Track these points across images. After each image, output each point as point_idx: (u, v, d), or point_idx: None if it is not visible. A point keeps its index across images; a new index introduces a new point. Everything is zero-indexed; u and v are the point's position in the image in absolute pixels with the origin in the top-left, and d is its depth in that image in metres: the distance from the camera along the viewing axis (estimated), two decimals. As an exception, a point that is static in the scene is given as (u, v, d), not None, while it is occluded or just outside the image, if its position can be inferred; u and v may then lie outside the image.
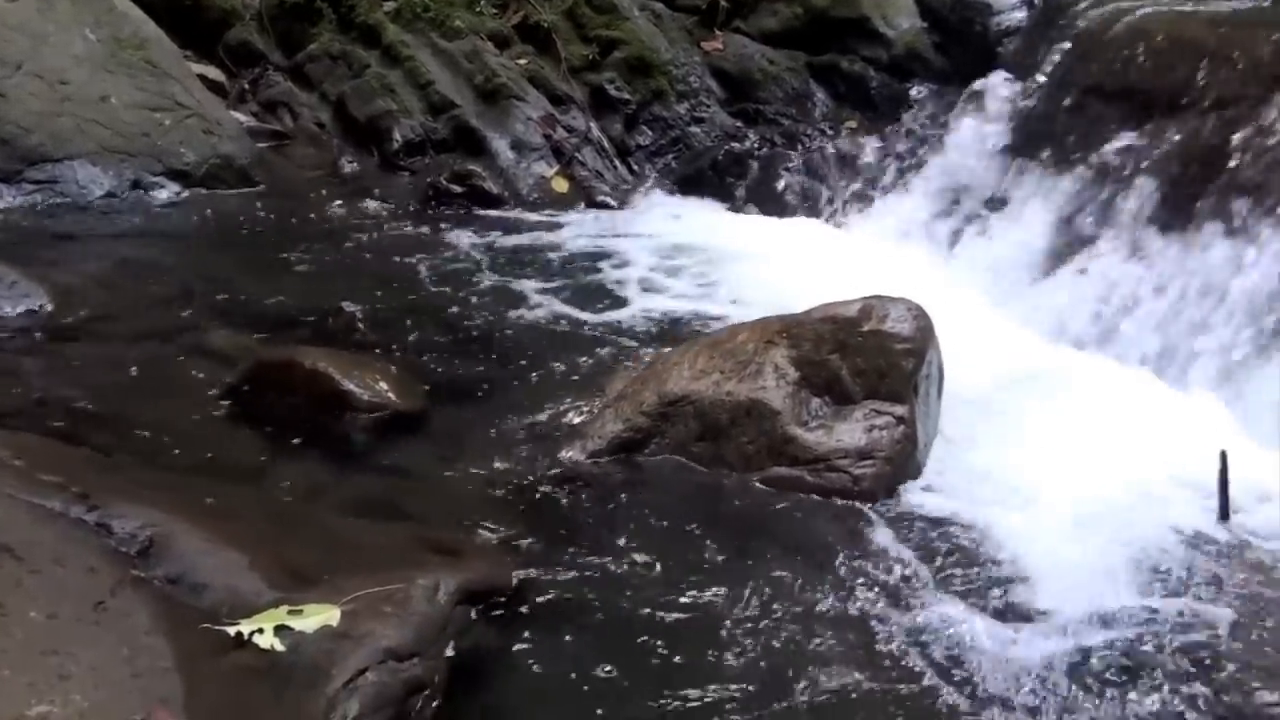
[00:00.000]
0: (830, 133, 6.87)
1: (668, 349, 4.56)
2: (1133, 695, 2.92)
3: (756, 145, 6.92)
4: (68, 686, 2.41)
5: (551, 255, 5.87)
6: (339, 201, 6.48)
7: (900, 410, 3.88)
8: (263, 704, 2.53)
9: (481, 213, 6.48)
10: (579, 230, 6.25)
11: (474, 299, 5.22)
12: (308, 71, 7.34)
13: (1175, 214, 4.90)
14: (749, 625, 3.14)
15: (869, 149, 6.61)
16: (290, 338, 4.63)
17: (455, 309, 5.10)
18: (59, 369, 4.24)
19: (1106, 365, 4.70)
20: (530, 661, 2.97)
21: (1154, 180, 5.04)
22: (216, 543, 2.97)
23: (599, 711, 2.81)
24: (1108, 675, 2.99)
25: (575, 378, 4.48)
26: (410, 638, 2.73)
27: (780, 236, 6.18)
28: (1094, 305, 4.94)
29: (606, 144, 7.02)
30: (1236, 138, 4.79)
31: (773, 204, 6.61)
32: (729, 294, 5.37)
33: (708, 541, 3.51)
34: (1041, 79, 5.92)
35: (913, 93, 6.70)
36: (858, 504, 3.72)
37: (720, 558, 3.44)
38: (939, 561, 3.46)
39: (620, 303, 5.30)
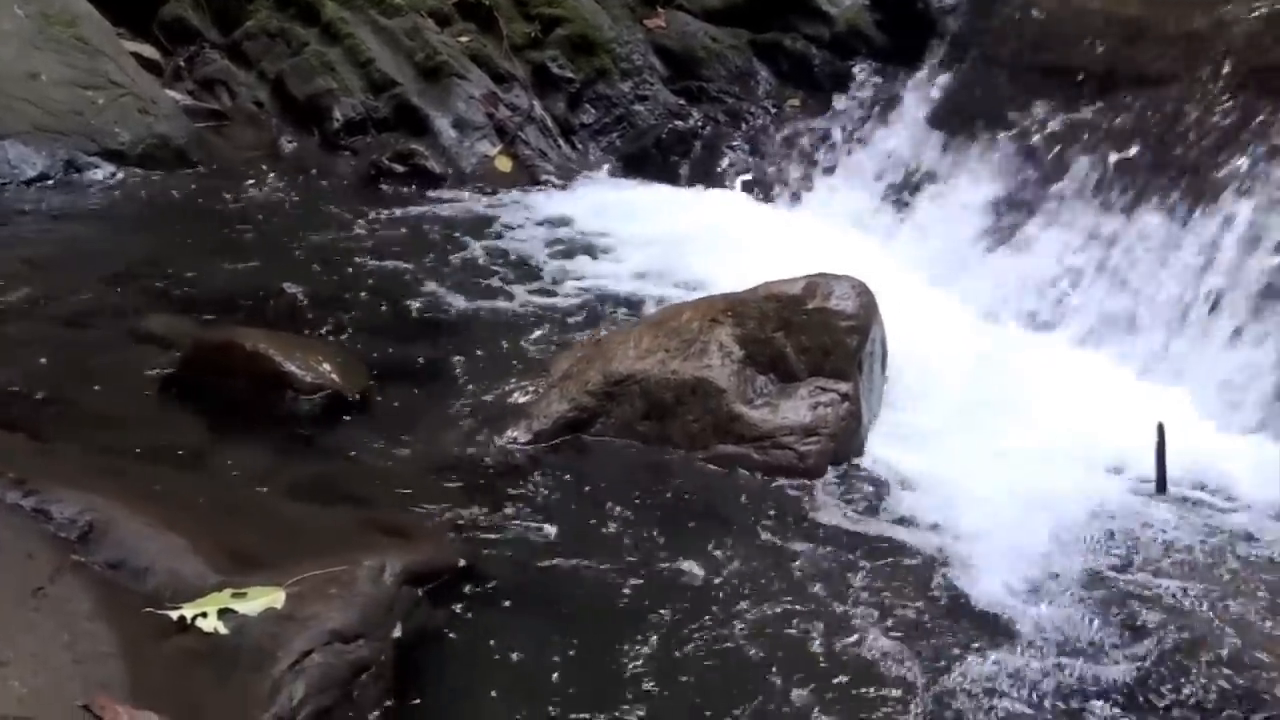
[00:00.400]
0: (774, 111, 6.88)
1: (613, 328, 4.56)
2: (1071, 664, 2.96)
3: (700, 123, 6.92)
4: (6, 673, 2.38)
5: (495, 235, 5.84)
6: (279, 182, 6.40)
7: (844, 387, 3.91)
8: (207, 687, 2.51)
9: (424, 192, 6.43)
10: (523, 209, 6.22)
11: (417, 279, 5.18)
12: (245, 49, 7.23)
13: (1114, 191, 4.96)
14: (696, 602, 3.16)
15: (812, 127, 6.62)
16: (230, 320, 4.57)
17: (398, 290, 5.06)
18: (-7, 353, 4.17)
19: (1046, 341, 4.76)
20: (477, 641, 2.97)
21: (1093, 157, 5.09)
22: (158, 527, 2.93)
23: (546, 689, 2.82)
24: (1046, 645, 3.03)
25: (520, 358, 4.47)
26: (356, 619, 2.72)
27: (724, 214, 6.19)
28: (1034, 282, 4.99)
29: (550, 123, 6.98)
30: (1173, 115, 4.85)
31: (717, 182, 6.61)
32: (673, 273, 5.37)
33: (654, 520, 3.52)
34: (982, 56, 5.95)
35: (855, 70, 6.71)
36: (803, 480, 3.75)
37: (666, 536, 3.45)
38: (882, 536, 3.49)
39: (565, 282, 5.28)
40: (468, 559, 3.21)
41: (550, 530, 3.43)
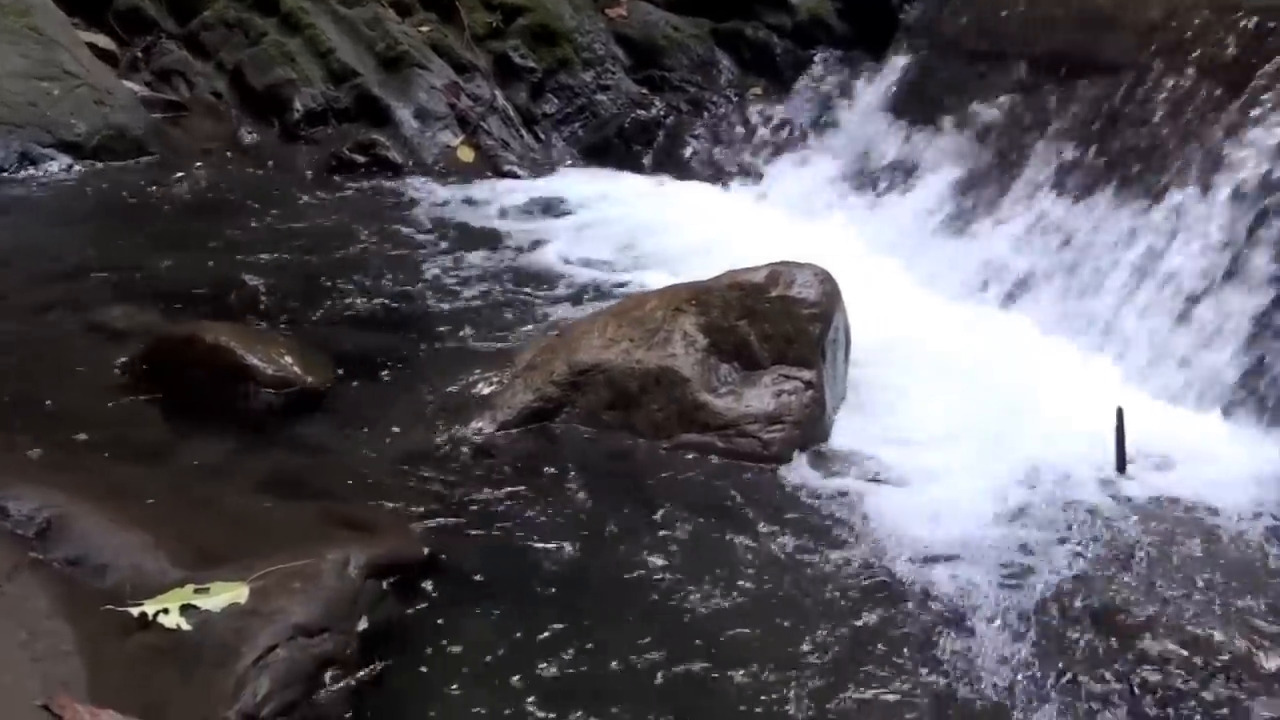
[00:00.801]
0: (736, 99, 6.89)
1: (577, 318, 4.55)
2: (1032, 642, 2.99)
3: (663, 112, 6.91)
4: (-35, 674, 2.35)
5: (458, 225, 5.82)
6: (239, 173, 6.36)
7: (808, 375, 3.92)
8: (170, 684, 2.49)
9: (386, 183, 6.40)
10: (485, 200, 6.20)
11: (380, 270, 5.16)
12: (203, 39, 7.17)
13: (1071, 176, 5.00)
14: (662, 591, 3.16)
15: (774, 115, 6.64)
16: (191, 313, 4.53)
17: (360, 281, 5.03)
18: (-52, 349, 4.12)
19: (1008, 325, 4.79)
20: (442, 633, 2.96)
21: (1051, 144, 5.14)
22: (119, 523, 2.91)
23: (512, 681, 2.81)
24: (1007, 622, 3.06)
25: (484, 348, 4.45)
26: (320, 613, 2.71)
27: (687, 203, 6.19)
28: (995, 265, 5.03)
29: (512, 112, 6.96)
30: (1132, 102, 4.90)
31: (680, 171, 6.62)
32: (637, 262, 5.37)
33: (619, 509, 3.52)
34: (943, 45, 5.98)
35: (817, 59, 6.74)
36: (768, 468, 3.76)
37: (632, 525, 3.45)
38: (846, 521, 3.51)
39: (528, 272, 5.27)
40: (433, 551, 3.20)
41: (515, 520, 3.43)
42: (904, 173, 5.79)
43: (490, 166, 6.66)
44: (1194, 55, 4.74)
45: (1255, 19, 4.62)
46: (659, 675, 2.85)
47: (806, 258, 4.14)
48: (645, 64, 7.07)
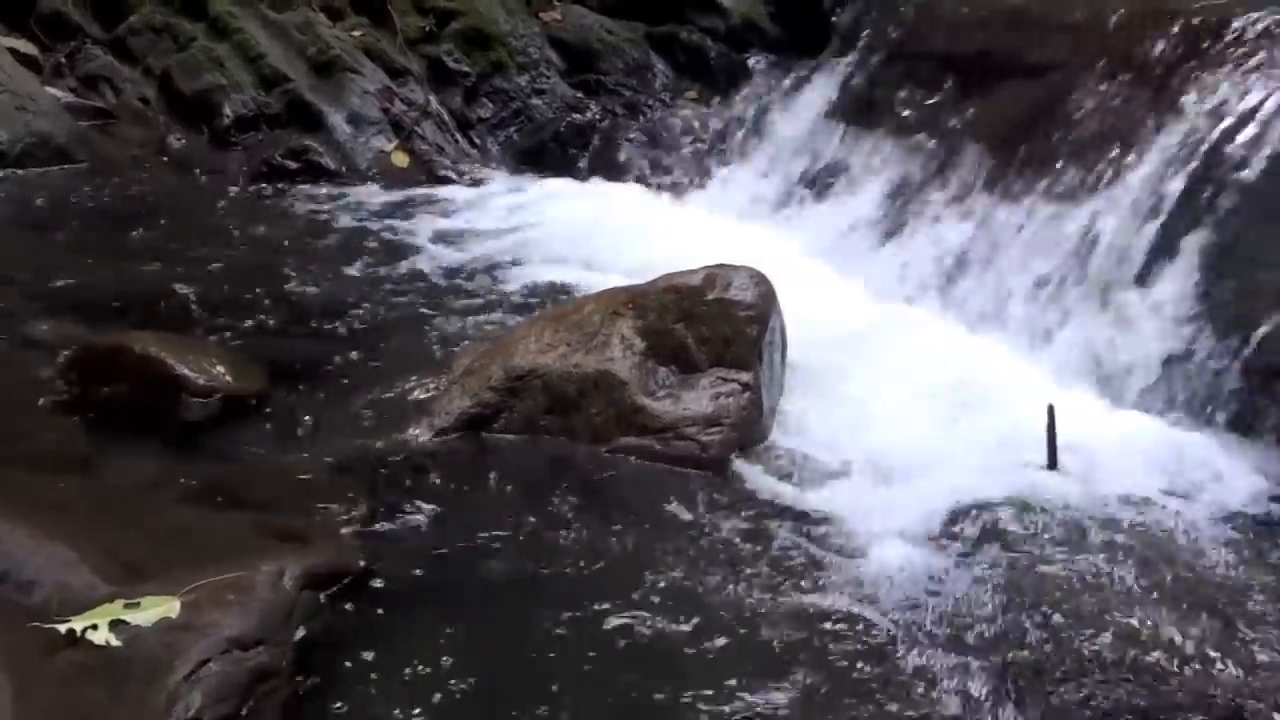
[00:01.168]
0: (671, 103, 6.91)
1: (514, 323, 4.53)
2: (970, 638, 3.02)
3: (598, 116, 6.91)
4: (-116, 696, 2.29)
5: (393, 231, 5.78)
6: (168, 180, 6.27)
7: (745, 377, 3.93)
8: (99, 702, 2.44)
9: (319, 189, 6.33)
10: (421, 205, 6.16)
11: (313, 277, 5.10)
12: (129, 45, 7.06)
13: (1004, 178, 5.06)
14: (601, 597, 3.14)
15: (709, 119, 6.66)
16: (119, 323, 4.46)
17: (294, 288, 4.98)
18: None
19: (941, 324, 4.84)
20: (380, 644, 2.92)
21: (982, 145, 5.20)
22: (45, 538, 2.84)
23: (451, 690, 2.79)
24: (944, 620, 3.08)
25: (420, 354, 4.42)
26: (254, 626, 2.67)
27: (623, 207, 6.19)
28: (929, 267, 5.08)
29: (447, 117, 6.93)
30: (1057, 103, 4.97)
31: (616, 175, 6.62)
32: (574, 266, 5.36)
33: (559, 515, 3.50)
34: (875, 48, 6.03)
35: (751, 63, 6.78)
36: (706, 471, 3.76)
37: (571, 531, 3.44)
38: (784, 522, 3.51)
39: (463, 277, 5.24)
40: (370, 561, 3.16)
41: (453, 528, 3.40)
42: (838, 175, 5.84)
43: (425, 171, 6.62)
44: (1119, 56, 4.81)
45: (1178, 20, 4.70)
46: (598, 685, 2.83)
47: (743, 260, 4.15)
48: (580, 68, 7.06)
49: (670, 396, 3.91)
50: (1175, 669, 2.92)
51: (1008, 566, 3.32)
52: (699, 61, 6.96)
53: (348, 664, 2.85)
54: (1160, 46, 4.70)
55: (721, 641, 3.00)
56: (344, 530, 3.32)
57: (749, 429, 3.90)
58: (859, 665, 2.93)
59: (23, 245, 5.30)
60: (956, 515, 3.56)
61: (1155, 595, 3.19)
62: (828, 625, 3.07)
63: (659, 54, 7.11)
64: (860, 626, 3.07)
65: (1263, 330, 3.97)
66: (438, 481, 3.65)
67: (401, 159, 6.64)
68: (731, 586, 3.22)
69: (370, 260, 5.36)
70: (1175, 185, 4.36)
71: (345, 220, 5.88)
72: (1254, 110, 4.23)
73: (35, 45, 7.04)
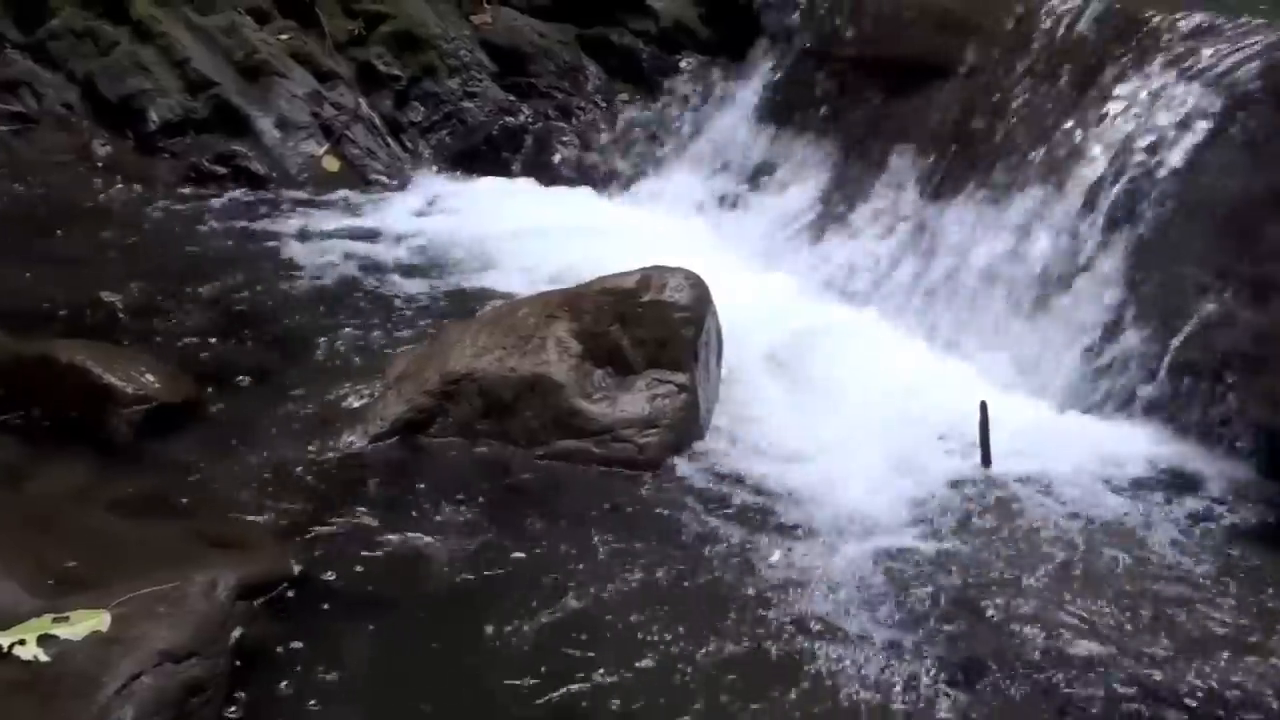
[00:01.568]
0: (603, 105, 6.89)
1: (449, 327, 4.50)
2: (902, 633, 3.06)
3: (531, 119, 6.89)
4: None
5: (325, 236, 5.71)
6: (93, 186, 6.14)
7: (681, 378, 3.94)
8: (28, 718, 2.40)
9: (248, 195, 6.24)
10: (352, 209, 6.10)
11: (244, 284, 5.04)
12: (50, 49, 6.90)
13: (932, 178, 5.11)
14: (537, 599, 3.14)
15: (642, 121, 6.66)
16: (45, 332, 4.37)
17: (224, 295, 4.92)
18: None
19: (874, 323, 4.88)
20: (317, 652, 2.90)
21: (912, 145, 5.25)
22: (-31, 552, 2.79)
23: (388, 696, 2.78)
24: (879, 617, 3.12)
25: (354, 360, 4.39)
26: (187, 637, 2.64)
27: (557, 210, 6.17)
28: (861, 267, 5.12)
29: (378, 121, 6.86)
30: (986, 103, 5.03)
31: (549, 178, 6.59)
32: (508, 269, 5.34)
33: (494, 519, 3.50)
34: (805, 49, 6.07)
35: (682, 64, 6.77)
36: (644, 472, 3.77)
37: (506, 534, 3.43)
38: (720, 521, 3.54)
39: (398, 281, 5.20)
40: (305, 568, 3.14)
41: (389, 534, 3.38)
42: (770, 175, 5.87)
43: (356, 176, 6.55)
44: (1044, 56, 4.88)
45: (1105, 20, 4.78)
46: (536, 687, 2.83)
47: (677, 262, 4.16)
48: (512, 71, 7.03)
49: (606, 399, 3.92)
50: (1106, 657, 2.98)
51: (942, 561, 3.36)
52: (631, 63, 6.95)
53: (285, 673, 2.82)
54: (1087, 46, 4.77)
55: (658, 641, 3.01)
56: (279, 538, 3.29)
57: (685, 430, 3.91)
58: (792, 660, 2.96)
59: (-58, 254, 5.18)
60: (892, 512, 3.60)
61: (1085, 586, 3.25)
62: (763, 622, 3.10)
63: (591, 56, 7.08)
64: (795, 623, 3.09)
65: (1187, 326, 4.05)
66: (373, 487, 3.63)
67: (332, 164, 6.57)
68: (668, 586, 3.23)
69: (301, 266, 5.31)
70: (1102, 183, 4.43)
71: (275, 226, 5.80)
72: (1177, 109, 4.31)
73: (-48, 50, 6.88)
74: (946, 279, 4.81)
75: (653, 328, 3.98)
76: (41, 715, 2.41)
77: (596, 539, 3.42)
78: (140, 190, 6.17)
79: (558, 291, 4.22)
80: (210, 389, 4.09)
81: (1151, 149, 4.35)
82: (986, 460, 3.86)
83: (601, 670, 2.89)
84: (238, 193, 6.25)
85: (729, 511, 3.58)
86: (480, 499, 3.59)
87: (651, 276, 4.07)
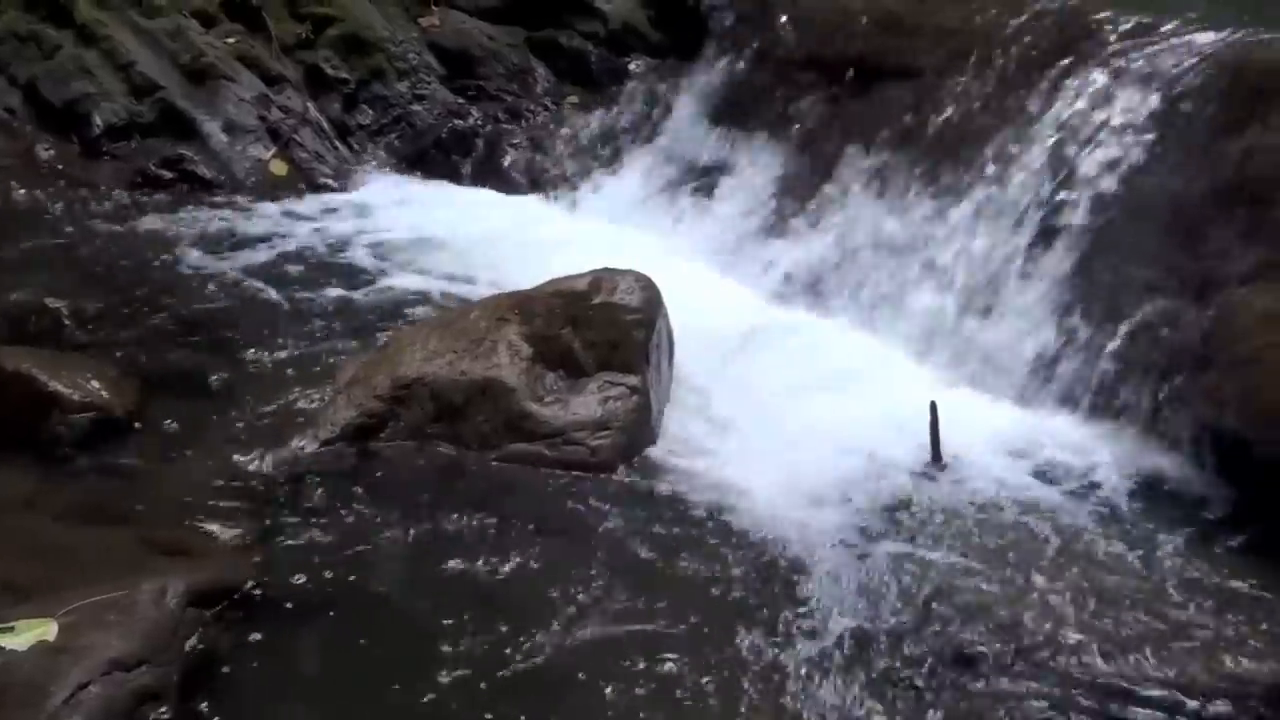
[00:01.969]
0: (553, 108, 6.89)
1: (400, 331, 4.49)
2: (855, 632, 3.08)
3: (480, 122, 6.87)
4: None
5: (273, 240, 5.67)
6: (37, 191, 6.05)
7: (633, 380, 3.95)
8: (-27, 731, 2.37)
9: (196, 199, 6.18)
10: (300, 213, 6.05)
11: (192, 289, 4.99)
12: (-8, 53, 6.81)
13: (881, 178, 5.15)
14: (489, 603, 3.14)
15: (591, 124, 6.66)
16: (-12, 339, 4.31)
17: (172, 300, 4.86)
18: None
19: (824, 323, 4.92)
20: (269, 659, 2.88)
21: (861, 146, 5.28)
22: (-89, 563, 2.75)
23: (340, 703, 2.76)
24: (831, 618, 3.14)
25: (304, 365, 4.36)
26: (137, 646, 2.61)
27: (507, 213, 6.17)
28: (810, 267, 5.15)
29: (326, 124, 6.81)
30: (932, 104, 5.07)
31: (499, 181, 6.58)
32: (459, 273, 5.32)
33: (447, 524, 3.48)
34: (754, 51, 6.10)
35: (631, 67, 6.79)
36: (596, 475, 3.77)
37: (460, 540, 3.42)
38: (673, 522, 3.55)
39: (347, 286, 5.16)
40: (256, 575, 3.12)
41: (340, 540, 3.36)
42: (719, 177, 5.89)
43: (304, 180, 6.51)
44: (988, 57, 4.93)
45: (1043, 21, 4.84)
46: (489, 692, 2.82)
47: (627, 264, 4.17)
48: (461, 73, 7.01)
49: (558, 402, 3.91)
50: (1055, 653, 3.01)
51: (893, 560, 3.38)
52: (580, 66, 6.96)
53: (236, 681, 2.80)
54: (1031, 48, 4.83)
55: (610, 644, 3.01)
56: (229, 545, 3.26)
57: (638, 432, 3.92)
58: (741, 658, 2.98)
59: (-119, 261, 5.09)
60: (843, 512, 3.62)
61: (1034, 583, 3.29)
62: (716, 623, 3.11)
63: (540, 59, 7.08)
64: (748, 624, 3.11)
65: (1132, 324, 4.10)
66: (324, 493, 3.60)
67: (280, 167, 6.52)
68: (621, 589, 3.23)
69: (249, 271, 5.26)
70: (1047, 182, 4.49)
71: (224, 230, 5.75)
72: (1120, 109, 4.37)
73: (-110, 54, 6.76)
74: (896, 279, 4.85)
75: (604, 330, 3.99)
76: (-13, 727, 2.38)
77: (549, 542, 3.42)
78: (85, 195, 6.09)
79: (508, 294, 4.22)
80: (158, 395, 4.05)
81: (1095, 149, 4.40)
82: (937, 458, 3.90)
83: (553, 674, 2.89)
84: (185, 196, 6.19)
85: (681, 513, 3.59)
86: (432, 503, 3.58)
87: (602, 279, 4.08)
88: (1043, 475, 3.85)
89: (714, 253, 5.52)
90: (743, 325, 4.77)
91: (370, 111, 6.89)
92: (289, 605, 3.09)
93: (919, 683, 2.93)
